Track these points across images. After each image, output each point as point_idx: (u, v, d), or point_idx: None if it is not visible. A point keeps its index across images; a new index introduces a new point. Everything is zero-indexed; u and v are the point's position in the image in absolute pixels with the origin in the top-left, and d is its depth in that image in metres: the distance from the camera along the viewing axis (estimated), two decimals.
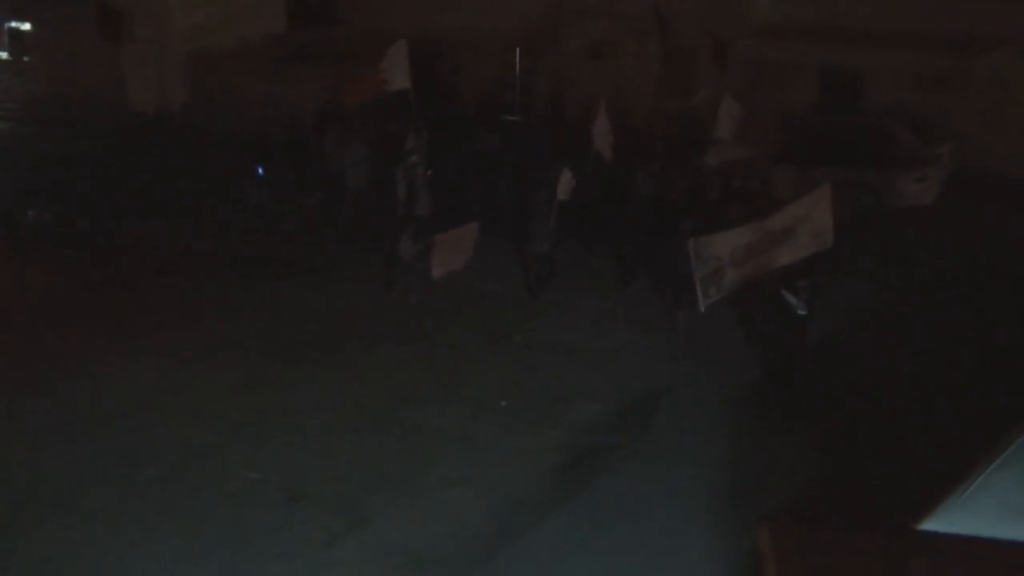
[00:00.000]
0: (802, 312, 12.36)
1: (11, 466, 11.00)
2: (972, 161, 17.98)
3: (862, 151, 17.44)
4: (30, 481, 10.72)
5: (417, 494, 10.53)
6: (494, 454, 11.23)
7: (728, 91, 18.09)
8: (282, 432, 11.65)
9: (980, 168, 18.06)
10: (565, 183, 14.65)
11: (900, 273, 15.59)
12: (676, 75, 23.42)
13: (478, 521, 10.11)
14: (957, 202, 17.47)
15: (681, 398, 12.34)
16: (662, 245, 14.16)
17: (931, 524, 7.55)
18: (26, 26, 29.00)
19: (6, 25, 29.29)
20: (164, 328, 14.24)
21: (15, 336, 14.18)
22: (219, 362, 13.28)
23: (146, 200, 19.47)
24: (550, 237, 14.82)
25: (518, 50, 25.91)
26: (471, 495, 10.49)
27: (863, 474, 10.61)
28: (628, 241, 15.47)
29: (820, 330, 12.97)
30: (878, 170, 17.10)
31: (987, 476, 8.08)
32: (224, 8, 25.82)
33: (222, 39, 25.80)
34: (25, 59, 29.10)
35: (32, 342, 13.95)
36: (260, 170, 19.67)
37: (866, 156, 17.35)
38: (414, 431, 11.68)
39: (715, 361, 13.09)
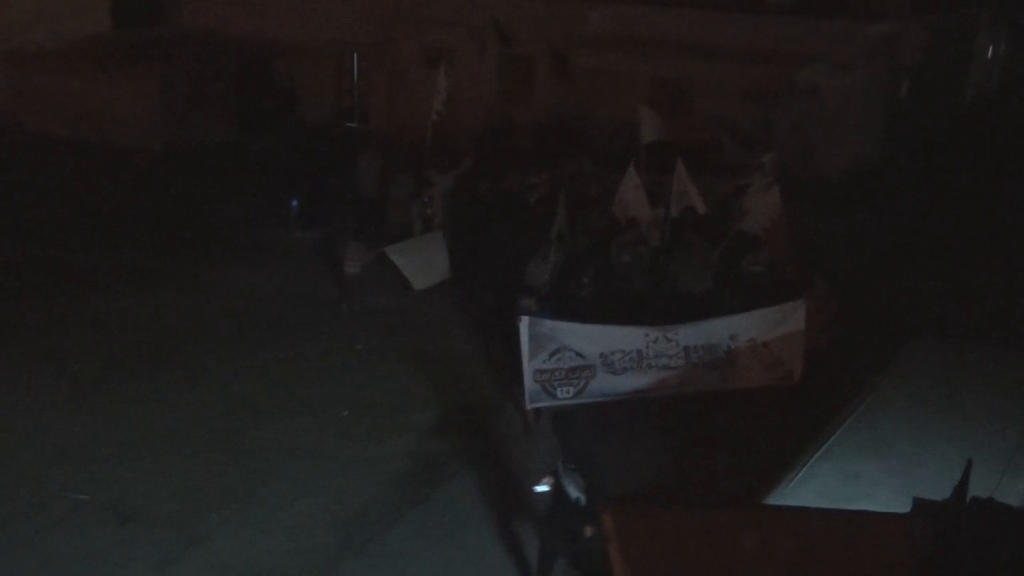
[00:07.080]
0: (573, 496, 8.38)
1: None
2: (791, 167, 18.99)
3: (688, 159, 18.08)
4: None
5: (257, 509, 10.27)
6: (337, 465, 11.09)
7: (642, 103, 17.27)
8: (111, 450, 11.13)
9: (797, 173, 19.09)
10: None
11: None
12: (514, 84, 23.77)
13: (322, 533, 9.96)
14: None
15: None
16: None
17: None
18: None
19: None
20: None
21: None
22: (42, 378, 12.58)
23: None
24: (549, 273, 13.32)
25: (356, 55, 25.68)
26: (314, 507, 10.32)
27: (704, 469, 11.04)
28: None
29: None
30: (704, 177, 17.76)
31: (809, 468, 8.63)
32: (43, 4, 24.41)
33: (41, 37, 24.43)
34: None
35: None
36: (294, 203, 17.54)
37: (692, 164, 18.00)
38: (253, 445, 11.39)
39: None
